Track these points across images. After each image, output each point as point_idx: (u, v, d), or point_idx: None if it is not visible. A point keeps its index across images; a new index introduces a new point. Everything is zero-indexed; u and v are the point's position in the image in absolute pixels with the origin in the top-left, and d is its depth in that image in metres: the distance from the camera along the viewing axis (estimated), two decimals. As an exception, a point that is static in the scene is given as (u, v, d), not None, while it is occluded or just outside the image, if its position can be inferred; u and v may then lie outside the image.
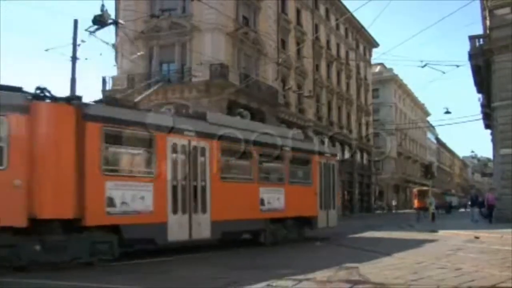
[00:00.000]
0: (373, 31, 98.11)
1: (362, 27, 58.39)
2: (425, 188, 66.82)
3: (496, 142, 29.98)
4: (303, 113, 43.28)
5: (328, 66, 50.69)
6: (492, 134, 37.75)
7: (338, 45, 53.72)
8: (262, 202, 15.08)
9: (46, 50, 28.36)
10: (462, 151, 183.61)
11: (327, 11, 50.84)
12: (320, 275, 8.96)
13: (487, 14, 31.31)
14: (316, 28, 47.26)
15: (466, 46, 31.69)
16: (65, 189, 9.98)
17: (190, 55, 32.28)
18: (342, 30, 55.36)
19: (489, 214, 27.25)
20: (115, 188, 10.78)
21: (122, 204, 10.84)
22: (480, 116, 39.61)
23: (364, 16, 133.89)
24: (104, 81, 33.63)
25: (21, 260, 9.55)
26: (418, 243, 16.56)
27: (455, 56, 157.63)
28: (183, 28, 32.58)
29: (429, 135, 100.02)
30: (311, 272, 9.24)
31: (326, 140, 44.71)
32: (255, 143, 14.88)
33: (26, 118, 9.66)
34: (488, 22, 30.82)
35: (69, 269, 9.94)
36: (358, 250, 14.22)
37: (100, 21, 19.58)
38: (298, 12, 44.14)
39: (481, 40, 30.78)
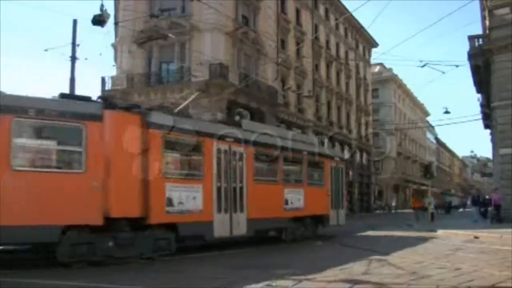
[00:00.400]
0: (372, 31, 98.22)
1: (362, 27, 58.40)
2: (422, 187, 66.95)
3: (496, 142, 30.00)
4: (303, 113, 43.30)
5: (328, 66, 50.69)
6: (491, 134, 37.79)
7: (337, 45, 53.72)
8: (286, 202, 16.37)
9: (46, 50, 28.43)
10: (461, 151, 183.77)
11: (326, 11, 50.85)
12: (320, 275, 8.97)
13: (486, 14, 31.34)
14: (315, 28, 47.26)
15: (466, 46, 31.72)
16: (132, 191, 10.96)
17: (189, 55, 32.29)
18: (341, 30, 55.37)
19: (497, 214, 26.74)
20: (173, 190, 11.91)
21: (178, 204, 12.00)
22: (480, 116, 39.65)
23: (364, 16, 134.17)
24: (103, 81, 33.65)
25: (96, 256, 10.55)
26: (418, 243, 16.56)
27: (454, 56, 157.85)
28: (183, 28, 32.57)
29: (429, 135, 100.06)
30: (311, 272, 9.25)
31: (326, 140, 44.80)
32: (281, 148, 16.34)
33: (100, 125, 10.66)
34: (487, 22, 30.85)
35: (69, 269, 9.94)
36: (358, 250, 14.22)
37: (99, 20, 19.60)
38: (297, 12, 44.15)
39: (480, 40, 30.80)
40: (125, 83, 32.74)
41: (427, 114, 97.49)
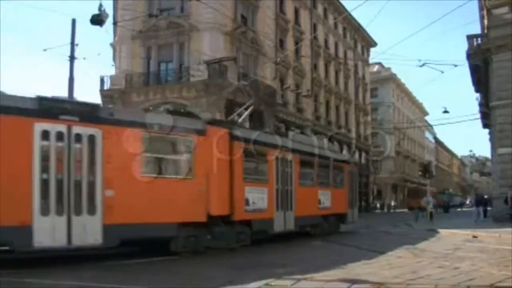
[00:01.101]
0: (371, 30, 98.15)
1: (360, 26, 58.40)
2: (418, 187, 66.78)
3: (495, 142, 29.98)
4: (301, 113, 43.29)
5: (326, 66, 50.68)
6: (490, 133, 37.74)
7: (336, 45, 53.71)
8: (319, 202, 19.00)
9: (45, 50, 28.42)
10: (460, 151, 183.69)
11: (325, 10, 50.82)
12: (319, 274, 8.96)
13: (485, 13, 31.34)
14: (314, 28, 47.23)
15: (464, 46, 31.72)
16: (225, 193, 13.32)
17: (188, 54, 32.27)
18: (340, 30, 55.36)
19: None
20: (249, 192, 14.36)
21: (252, 204, 14.48)
22: (478, 115, 39.61)
23: (362, 16, 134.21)
24: (102, 80, 33.63)
25: (199, 247, 12.94)
26: (416, 242, 16.57)
27: (453, 55, 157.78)
28: (182, 28, 32.57)
29: (427, 135, 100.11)
30: (309, 271, 9.25)
31: (325, 140, 44.74)
32: (318, 156, 19.11)
33: (203, 139, 12.95)
34: (486, 22, 30.86)
35: (70, 269, 9.93)
36: (357, 249, 14.24)
37: (98, 20, 19.59)
38: (296, 11, 44.12)
39: (479, 39, 30.80)
40: (124, 82, 32.71)
41: (425, 113, 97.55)
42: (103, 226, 10.72)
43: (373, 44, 65.74)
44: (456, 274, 8.99)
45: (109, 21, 23.26)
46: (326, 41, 50.89)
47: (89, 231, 10.55)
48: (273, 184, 15.68)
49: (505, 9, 27.94)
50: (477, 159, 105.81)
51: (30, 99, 10.35)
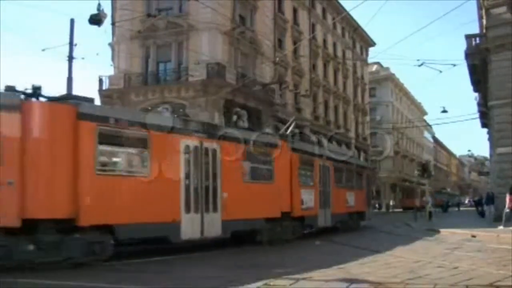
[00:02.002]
0: (369, 30, 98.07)
1: (359, 26, 58.40)
2: (413, 186, 66.46)
3: (493, 141, 30.01)
4: (300, 113, 43.26)
5: (325, 65, 50.68)
6: (488, 133, 37.78)
7: (334, 44, 53.70)
8: (346, 201, 22.12)
9: (43, 50, 28.34)
10: (459, 150, 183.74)
11: (323, 10, 50.83)
12: (318, 274, 8.96)
13: (483, 13, 31.34)
14: (312, 27, 47.22)
15: (463, 45, 31.76)
16: (287, 194, 16.47)
17: (186, 54, 32.27)
18: (338, 29, 55.35)
19: None
20: (303, 194, 17.39)
21: (305, 203, 17.49)
22: (477, 115, 39.66)
23: (361, 15, 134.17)
24: (100, 80, 33.61)
25: (273, 238, 15.51)
26: (415, 241, 16.60)
27: (451, 55, 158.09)
28: (180, 28, 32.57)
29: (426, 134, 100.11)
30: (308, 271, 9.24)
31: (324, 140, 44.72)
32: (346, 162, 22.65)
33: (277, 151, 16.17)
34: (484, 21, 30.85)
35: (69, 269, 9.91)
36: (356, 249, 14.25)
37: (96, 20, 19.55)
38: (294, 11, 44.13)
39: (477, 39, 30.82)
40: (122, 82, 32.70)
41: (424, 113, 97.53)
42: (222, 221, 13.45)
43: (372, 43, 65.74)
44: (455, 273, 9.00)
45: (107, 21, 23.30)
46: (324, 41, 50.89)
47: (213, 225, 13.23)
48: (318, 187, 18.79)
49: (503, 9, 27.95)
50: (475, 158, 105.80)
51: (176, 119, 13.43)
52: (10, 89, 10.36)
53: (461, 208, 62.68)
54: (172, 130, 12.47)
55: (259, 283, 8.04)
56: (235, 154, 14.17)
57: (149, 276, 9.56)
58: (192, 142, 12.92)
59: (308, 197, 17.82)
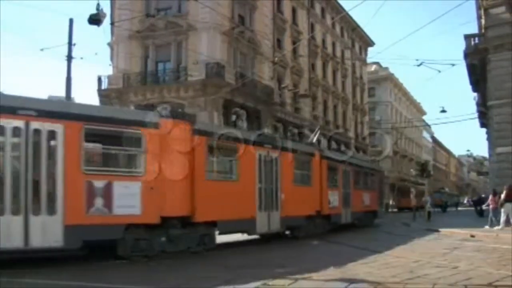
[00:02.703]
0: (368, 30, 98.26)
1: (358, 26, 58.40)
2: (409, 185, 66.12)
3: (492, 141, 30.06)
4: (299, 112, 43.30)
5: (324, 65, 50.68)
6: (487, 132, 37.84)
7: (333, 44, 53.70)
8: (363, 201, 24.76)
9: (42, 50, 28.34)
10: (457, 150, 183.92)
11: (322, 10, 50.82)
12: (317, 274, 8.95)
13: (482, 13, 31.38)
14: (311, 27, 47.22)
15: (462, 45, 31.77)
16: (319, 195, 19.21)
17: (186, 54, 32.25)
18: (337, 29, 55.35)
19: None
20: (330, 195, 20.05)
21: (332, 203, 20.16)
22: (476, 114, 39.71)
23: (360, 15, 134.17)
24: (99, 80, 33.57)
25: (310, 232, 18.20)
26: (414, 241, 16.60)
27: (450, 55, 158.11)
28: (179, 27, 32.55)
29: (425, 134, 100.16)
30: (307, 271, 9.24)
31: (323, 140, 44.74)
32: (362, 167, 25.97)
33: (313, 159, 19.03)
34: (483, 21, 30.90)
35: (69, 269, 9.90)
36: (354, 249, 14.24)
37: (95, 20, 19.54)
38: (294, 11, 44.12)
39: (476, 39, 30.88)
40: (121, 82, 32.67)
41: (423, 113, 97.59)
42: (280, 218, 15.99)
43: (371, 43, 65.75)
44: (454, 273, 8.99)
45: (106, 21, 23.25)
46: (323, 41, 50.88)
47: (275, 221, 15.87)
48: (341, 189, 21.40)
49: (502, 9, 28.02)
50: (474, 158, 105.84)
51: (253, 134, 16.07)
52: (140, 107, 15.25)
53: (460, 208, 62.65)
54: (253, 143, 15.21)
55: (258, 283, 8.04)
56: (288, 161, 16.75)
57: (146, 275, 9.54)
58: (263, 152, 15.59)
59: (334, 198, 20.56)
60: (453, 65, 30.54)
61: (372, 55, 68.82)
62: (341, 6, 51.99)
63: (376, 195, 27.55)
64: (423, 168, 76.97)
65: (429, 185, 65.37)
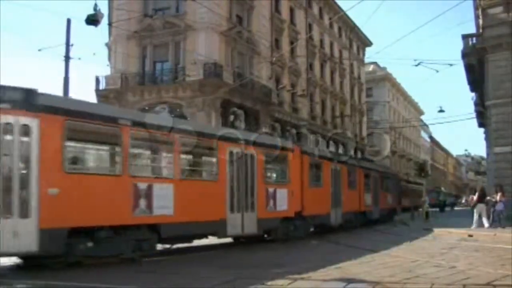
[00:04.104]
0: (366, 30, 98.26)
1: (356, 26, 58.43)
2: (405, 185, 65.99)
3: (490, 141, 30.05)
4: (297, 112, 43.29)
5: (322, 65, 50.69)
6: (485, 132, 37.84)
7: (331, 44, 53.72)
8: (387, 201, 30.34)
9: (39, 50, 28.20)
10: (456, 150, 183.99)
11: (320, 10, 50.84)
12: (315, 273, 8.95)
13: (480, 13, 31.38)
14: (309, 27, 47.26)
15: (460, 45, 31.77)
16: (362, 197, 25.17)
17: (183, 54, 32.23)
18: (335, 29, 55.38)
19: None
20: (366, 196, 25.69)
21: (367, 203, 25.76)
22: (474, 114, 39.70)
23: (358, 15, 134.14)
24: (97, 80, 33.52)
25: (357, 225, 23.90)
26: (412, 241, 16.59)
27: (448, 55, 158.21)
28: (177, 28, 32.53)
29: (423, 134, 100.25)
30: (306, 270, 9.22)
31: (320, 140, 44.79)
32: (384, 173, 31.28)
33: (357, 169, 25.12)
34: (481, 21, 30.90)
35: (70, 268, 9.88)
36: (353, 248, 14.23)
37: (93, 20, 19.50)
38: (291, 11, 44.13)
39: (474, 39, 30.85)
40: (119, 82, 32.63)
41: (421, 112, 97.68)
42: (342, 213, 21.38)
43: (369, 43, 65.79)
44: (452, 273, 8.99)
45: (104, 21, 23.19)
46: (321, 41, 50.91)
47: (338, 216, 21.04)
48: (372, 192, 26.98)
49: (499, 9, 28.00)
50: (472, 158, 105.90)
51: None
52: (267, 133, 22.81)
53: (457, 208, 62.55)
54: (329, 159, 21.45)
55: (257, 283, 8.03)
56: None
57: (144, 275, 9.52)
58: (336, 166, 21.65)
59: (369, 198, 26.12)
60: (451, 65, 30.63)
61: (370, 55, 69.06)
62: (338, 6, 52.05)
63: (396, 195, 33.42)
64: (421, 168, 77.08)
65: (427, 185, 65.35)
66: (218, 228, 13.32)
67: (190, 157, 13.64)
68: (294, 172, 17.22)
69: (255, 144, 15.23)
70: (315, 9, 49.69)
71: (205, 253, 13.15)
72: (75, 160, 10.55)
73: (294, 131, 41.59)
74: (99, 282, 8.52)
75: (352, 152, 52.92)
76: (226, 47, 33.49)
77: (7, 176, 9.11)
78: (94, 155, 11.73)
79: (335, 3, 52.26)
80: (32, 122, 9.41)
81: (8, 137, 9.29)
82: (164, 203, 11.57)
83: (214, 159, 13.77)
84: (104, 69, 72.01)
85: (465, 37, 30.97)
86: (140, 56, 33.20)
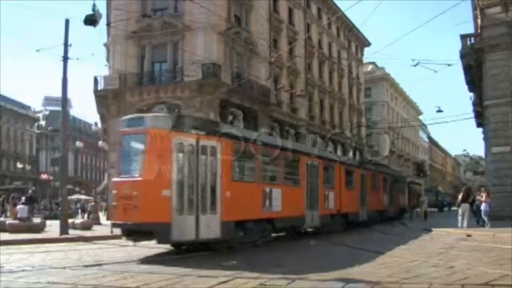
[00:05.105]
0: (364, 30, 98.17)
1: (354, 26, 58.41)
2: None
3: (488, 141, 30.09)
4: (296, 112, 43.25)
5: (320, 65, 50.66)
6: (484, 132, 37.88)
7: (330, 44, 53.70)
8: (399, 201, 35.38)
9: (37, 51, 28.02)
10: (454, 150, 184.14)
11: (319, 10, 50.82)
12: (314, 274, 8.94)
13: (478, 13, 31.41)
14: (308, 27, 47.22)
15: (458, 45, 31.79)
16: (382, 197, 30.27)
17: (182, 54, 32.19)
18: (334, 29, 55.35)
19: None
20: (384, 197, 30.40)
21: (385, 202, 30.70)
22: (472, 114, 39.74)
23: (356, 15, 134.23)
24: (96, 81, 33.49)
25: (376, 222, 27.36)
26: (411, 241, 16.62)
27: (446, 55, 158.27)
28: (175, 28, 32.48)
29: (421, 134, 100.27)
30: (305, 271, 9.22)
31: (319, 140, 44.78)
32: (396, 176, 36.15)
33: (366, 171, 27.32)
34: (479, 21, 30.92)
35: (61, 269, 9.87)
36: (351, 249, 14.24)
37: (91, 20, 19.47)
38: (290, 11, 44.11)
39: (472, 39, 30.88)
40: (118, 83, 32.59)
41: (419, 112, 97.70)
42: (367, 211, 25.56)
43: (367, 43, 65.75)
44: (450, 272, 9.00)
45: (102, 22, 23.16)
46: (320, 41, 50.88)
47: (364, 214, 25.16)
48: (387, 192, 31.26)
49: (498, 9, 28.03)
50: (471, 158, 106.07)
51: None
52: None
53: (455, 208, 62.40)
54: (357, 166, 26.05)
55: (256, 283, 8.02)
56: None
57: (142, 275, 9.49)
58: (363, 172, 26.07)
59: (386, 199, 30.86)
60: (449, 65, 30.60)
61: (368, 55, 68.82)
62: (337, 6, 52.02)
63: (406, 196, 39.27)
64: (419, 168, 77.02)
65: (425, 185, 65.32)
66: (300, 222, 17.92)
67: (288, 168, 17.53)
68: (337, 178, 21.81)
69: (318, 157, 19.96)
70: (314, 9, 49.67)
71: (203, 253, 13.08)
72: (236, 171, 14.38)
73: (292, 131, 41.58)
74: (99, 281, 8.50)
75: (351, 153, 52.91)
76: (224, 47, 33.47)
77: (203, 184, 12.69)
78: (243, 168, 15.13)
79: (334, 3, 52.24)
80: (217, 145, 13.18)
81: (203, 156, 12.94)
82: (276, 202, 15.86)
83: (298, 170, 18.03)
84: (102, 70, 72.04)
85: (463, 37, 31.00)
86: (139, 56, 33.15)
